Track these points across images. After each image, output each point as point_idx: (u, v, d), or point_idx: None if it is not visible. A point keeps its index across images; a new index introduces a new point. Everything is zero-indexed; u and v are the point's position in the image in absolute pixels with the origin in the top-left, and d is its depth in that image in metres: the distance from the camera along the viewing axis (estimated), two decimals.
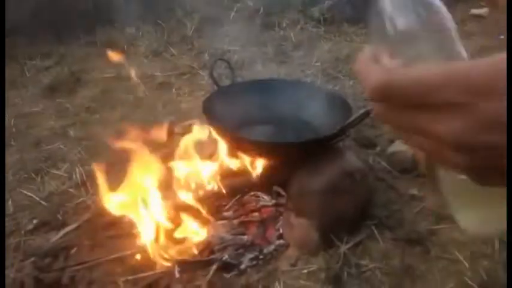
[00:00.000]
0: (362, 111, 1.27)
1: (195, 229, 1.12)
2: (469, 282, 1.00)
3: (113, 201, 1.15)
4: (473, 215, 0.33)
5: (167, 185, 1.21)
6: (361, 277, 1.02)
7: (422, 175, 1.32)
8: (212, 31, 2.54)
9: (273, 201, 1.20)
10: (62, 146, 1.63)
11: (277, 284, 1.00)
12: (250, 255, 1.07)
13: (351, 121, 1.19)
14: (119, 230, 1.17)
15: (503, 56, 0.24)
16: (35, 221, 1.25)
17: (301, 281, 1.01)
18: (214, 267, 1.04)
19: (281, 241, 1.11)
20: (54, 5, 2.54)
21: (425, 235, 1.12)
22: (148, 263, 1.06)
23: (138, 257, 1.08)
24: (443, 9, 0.31)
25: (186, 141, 1.33)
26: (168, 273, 1.04)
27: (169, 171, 1.25)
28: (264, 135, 1.27)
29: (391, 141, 1.47)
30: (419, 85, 0.26)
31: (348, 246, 1.08)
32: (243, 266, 1.05)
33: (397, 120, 0.28)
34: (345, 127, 1.15)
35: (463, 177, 0.28)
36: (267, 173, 1.22)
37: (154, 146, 1.30)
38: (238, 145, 1.23)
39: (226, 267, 1.05)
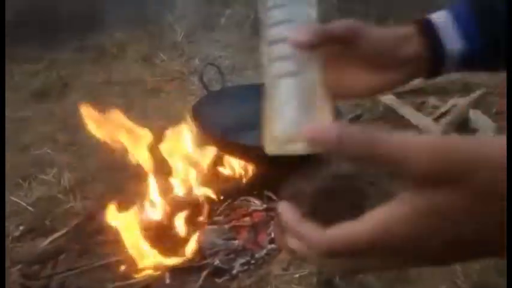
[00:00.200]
0: (352, 115, 1.28)
1: (186, 234, 1.11)
2: (461, 285, 1.00)
3: (103, 207, 1.14)
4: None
5: (158, 190, 1.20)
6: (353, 281, 1.02)
7: None
8: (202, 37, 2.55)
9: (264, 206, 1.20)
10: (50, 151, 1.61)
11: None
12: (242, 260, 1.06)
13: None
14: (108, 235, 1.15)
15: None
16: (21, 228, 1.22)
17: (293, 286, 1.00)
18: (205, 272, 1.03)
19: (272, 245, 1.10)
20: (43, 10, 2.52)
21: None
22: (138, 269, 1.04)
23: (127, 263, 1.06)
24: None
25: (176, 146, 1.32)
26: (159, 279, 1.02)
27: (159, 177, 1.24)
28: (254, 140, 1.27)
29: None
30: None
31: None
32: (234, 271, 1.04)
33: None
34: None
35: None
36: (258, 178, 1.22)
37: (145, 152, 1.29)
38: (228, 150, 1.22)
39: (217, 272, 1.04)
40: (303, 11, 0.40)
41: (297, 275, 1.02)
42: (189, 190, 1.23)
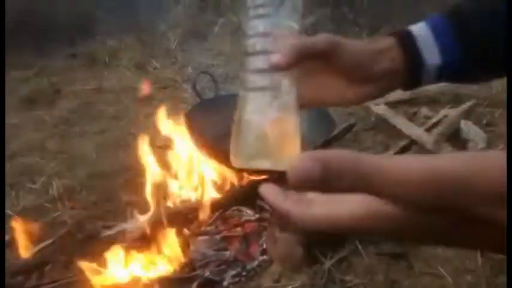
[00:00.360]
0: (345, 125, 1.28)
1: (176, 245, 1.08)
2: None
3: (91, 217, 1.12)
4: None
5: (147, 200, 1.18)
6: None
7: None
8: (195, 45, 2.55)
9: (257, 216, 1.18)
10: (38, 159, 1.58)
11: None
12: (233, 272, 1.04)
13: (334, 135, 1.20)
14: (96, 245, 1.12)
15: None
16: (7, 237, 1.19)
17: None
18: (195, 284, 1.01)
19: (264, 257, 1.08)
20: (35, 16, 2.50)
21: (409, 250, 1.11)
22: (127, 280, 1.02)
23: (116, 273, 1.03)
24: None
25: (168, 155, 1.30)
26: None
27: (149, 185, 1.22)
28: None
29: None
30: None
31: (332, 261, 1.06)
32: (225, 283, 1.02)
33: None
34: (328, 140, 1.15)
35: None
36: (250, 187, 1.20)
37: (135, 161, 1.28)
38: (220, 158, 1.21)
39: (208, 284, 1.02)
40: (285, 23, 0.39)
41: (289, 287, 1.01)
42: (180, 199, 1.22)
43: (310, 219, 0.28)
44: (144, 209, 1.15)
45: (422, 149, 1.46)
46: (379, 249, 1.12)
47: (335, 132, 1.19)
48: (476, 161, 0.24)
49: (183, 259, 1.06)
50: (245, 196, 1.20)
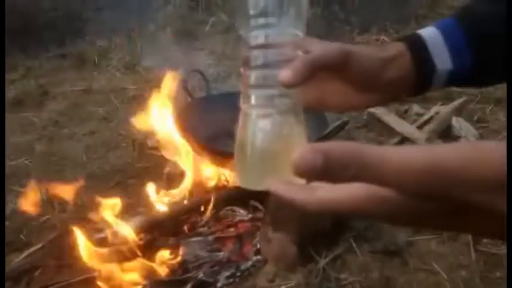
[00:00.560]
0: (337, 123, 1.27)
1: (169, 246, 1.07)
2: None
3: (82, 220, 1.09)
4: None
5: (140, 201, 1.16)
6: None
7: None
8: (186, 44, 2.52)
9: (250, 216, 1.17)
10: (27, 162, 1.55)
11: None
12: (227, 273, 1.03)
13: (327, 133, 1.19)
14: (85, 250, 1.10)
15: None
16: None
17: None
18: (189, 286, 0.99)
19: (258, 257, 1.07)
20: (20, 16, 2.46)
21: (403, 246, 1.11)
22: (118, 284, 1.00)
23: (107, 278, 1.01)
24: None
25: (159, 155, 1.28)
26: None
27: (141, 187, 1.20)
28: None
29: None
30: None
31: (326, 260, 1.06)
32: (219, 284, 1.01)
33: None
34: (320, 139, 1.14)
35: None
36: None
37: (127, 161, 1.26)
38: (212, 158, 1.19)
39: (201, 285, 1.00)
40: (289, 32, 0.36)
41: (284, 287, 1.00)
42: (172, 200, 1.20)
43: (314, 203, 0.28)
44: (135, 211, 1.14)
45: None
46: (373, 246, 1.11)
47: (328, 130, 1.18)
48: (474, 151, 0.24)
49: (175, 261, 1.04)
50: (238, 196, 1.19)
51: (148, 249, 1.08)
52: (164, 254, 1.06)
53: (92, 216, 1.09)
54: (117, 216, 1.10)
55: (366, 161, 0.25)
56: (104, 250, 1.08)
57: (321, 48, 0.38)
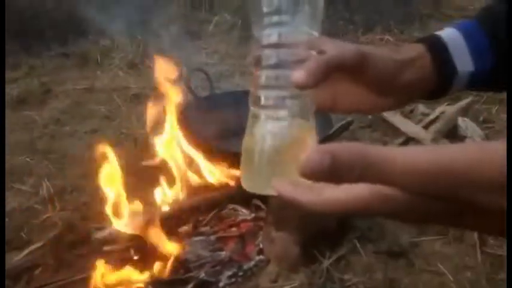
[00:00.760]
0: (342, 122, 1.25)
1: (171, 245, 1.06)
2: None
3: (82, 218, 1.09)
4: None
5: (141, 199, 1.15)
6: None
7: None
8: (190, 44, 2.52)
9: (253, 215, 1.15)
10: (28, 160, 1.54)
11: None
12: (229, 273, 1.02)
13: (331, 133, 1.17)
14: (87, 248, 1.09)
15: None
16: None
17: None
18: (190, 286, 0.98)
19: (261, 257, 1.06)
20: (24, 15, 2.46)
21: (407, 247, 1.09)
22: (119, 283, 0.99)
23: (108, 276, 1.00)
24: None
25: (162, 154, 1.27)
26: None
27: (143, 185, 1.19)
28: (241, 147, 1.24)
29: None
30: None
31: (330, 260, 1.04)
32: (221, 284, 0.99)
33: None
34: (324, 139, 1.13)
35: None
36: None
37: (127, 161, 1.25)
38: (215, 157, 1.18)
39: (203, 285, 0.99)
40: (304, 31, 0.35)
41: (287, 287, 0.98)
42: (174, 199, 1.19)
43: (321, 203, 0.28)
44: (137, 210, 1.12)
45: None
46: (377, 247, 1.10)
47: (332, 130, 1.16)
48: (480, 152, 0.25)
49: (177, 260, 1.03)
50: (241, 195, 1.18)
51: (150, 247, 1.06)
52: (165, 253, 1.05)
53: (93, 214, 1.09)
54: (118, 215, 1.09)
55: (370, 161, 0.25)
56: (105, 248, 1.07)
57: (335, 48, 0.36)
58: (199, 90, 1.60)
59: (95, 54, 2.43)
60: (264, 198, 1.15)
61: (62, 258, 1.08)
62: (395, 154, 0.25)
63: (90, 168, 1.41)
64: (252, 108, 0.36)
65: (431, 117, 1.59)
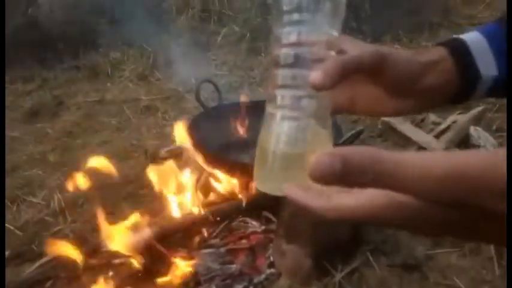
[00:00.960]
0: (352, 132, 1.24)
1: (181, 258, 1.05)
2: None
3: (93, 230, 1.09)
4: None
5: (151, 212, 1.15)
6: None
7: None
8: (198, 56, 2.54)
9: (263, 227, 1.14)
10: (40, 172, 1.56)
11: None
12: (239, 286, 1.00)
13: (341, 142, 1.16)
14: (98, 260, 1.09)
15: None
16: (7, 252, 1.16)
17: None
18: None
19: (272, 270, 1.04)
20: (37, 29, 2.51)
21: (422, 260, 1.07)
22: None
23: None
24: None
25: (172, 165, 1.27)
26: None
27: (153, 197, 1.19)
28: (251, 158, 1.23)
29: None
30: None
31: (343, 274, 1.02)
32: None
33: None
34: None
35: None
36: (256, 197, 1.17)
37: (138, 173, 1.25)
38: (224, 168, 1.18)
39: None
40: (324, 31, 0.34)
41: None
42: (184, 211, 1.18)
43: (331, 209, 0.28)
44: (147, 222, 1.12)
45: None
46: (391, 260, 1.07)
47: (342, 139, 1.16)
48: (494, 157, 0.24)
49: (187, 273, 1.02)
50: (251, 207, 1.17)
51: (160, 261, 1.06)
52: (176, 266, 1.04)
53: (103, 227, 1.08)
54: (128, 227, 1.08)
55: (383, 166, 0.24)
56: (115, 261, 1.06)
57: (354, 49, 0.35)
58: (209, 102, 1.61)
59: (105, 67, 2.47)
60: (274, 211, 1.14)
61: (74, 271, 1.08)
62: (409, 159, 0.24)
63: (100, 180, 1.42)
64: (268, 106, 0.35)
65: (443, 126, 1.57)
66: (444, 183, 0.24)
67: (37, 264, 1.11)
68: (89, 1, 2.66)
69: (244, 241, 1.12)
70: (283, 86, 0.34)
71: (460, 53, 0.40)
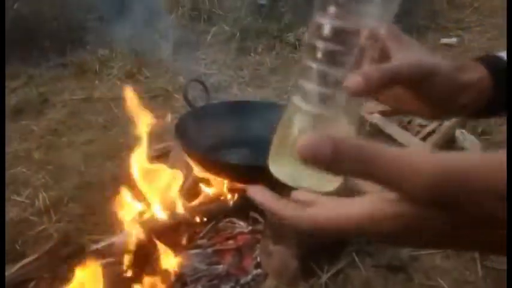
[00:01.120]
0: None
1: (167, 259, 1.04)
2: None
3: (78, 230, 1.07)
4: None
5: (136, 211, 1.14)
6: None
7: None
8: (188, 54, 2.52)
9: (250, 228, 1.14)
10: (25, 170, 1.53)
11: None
12: (226, 287, 1.00)
13: None
14: (83, 260, 1.08)
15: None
16: None
17: None
18: None
19: (258, 270, 1.04)
20: (22, 25, 2.46)
21: (407, 261, 1.08)
22: None
23: None
24: None
25: (158, 165, 1.26)
26: None
27: (138, 197, 1.18)
28: (239, 158, 1.23)
29: None
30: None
31: (328, 275, 1.03)
32: None
33: None
34: None
35: None
36: (243, 198, 1.17)
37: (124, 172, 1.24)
38: (211, 168, 1.17)
39: None
40: (370, 25, 0.31)
41: None
42: (170, 211, 1.18)
43: (306, 218, 0.27)
44: (132, 223, 1.11)
45: None
46: (376, 261, 1.09)
47: None
48: (488, 160, 0.24)
49: (173, 274, 1.02)
50: (238, 207, 1.17)
51: (146, 261, 1.05)
52: (162, 266, 1.03)
53: (88, 226, 1.07)
54: (114, 226, 1.07)
55: (377, 159, 0.24)
56: (101, 261, 1.05)
57: (398, 52, 0.36)
58: (197, 101, 1.60)
59: (93, 64, 2.44)
60: (261, 211, 1.14)
61: (57, 272, 1.06)
62: (406, 154, 0.24)
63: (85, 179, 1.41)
64: (294, 96, 0.33)
65: (429, 129, 1.59)
66: (436, 182, 0.23)
67: (19, 264, 1.09)
68: None
69: (231, 242, 1.12)
70: (315, 79, 0.32)
71: (499, 73, 0.41)
